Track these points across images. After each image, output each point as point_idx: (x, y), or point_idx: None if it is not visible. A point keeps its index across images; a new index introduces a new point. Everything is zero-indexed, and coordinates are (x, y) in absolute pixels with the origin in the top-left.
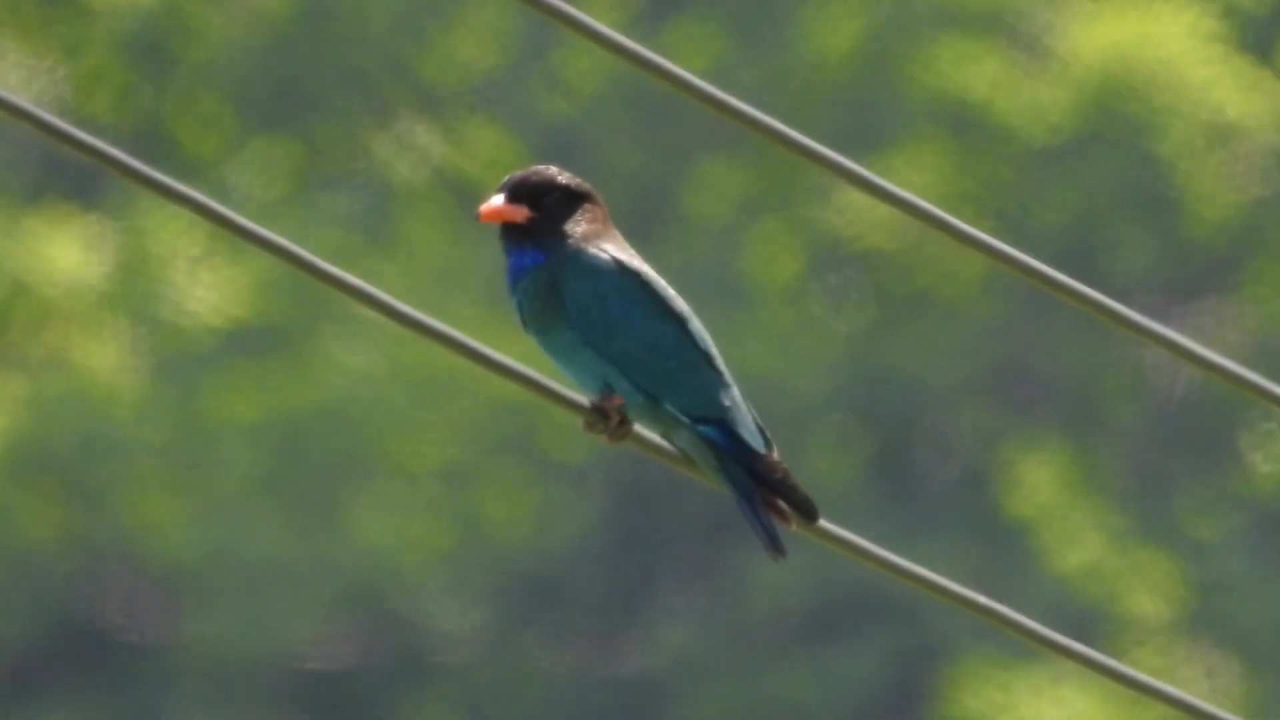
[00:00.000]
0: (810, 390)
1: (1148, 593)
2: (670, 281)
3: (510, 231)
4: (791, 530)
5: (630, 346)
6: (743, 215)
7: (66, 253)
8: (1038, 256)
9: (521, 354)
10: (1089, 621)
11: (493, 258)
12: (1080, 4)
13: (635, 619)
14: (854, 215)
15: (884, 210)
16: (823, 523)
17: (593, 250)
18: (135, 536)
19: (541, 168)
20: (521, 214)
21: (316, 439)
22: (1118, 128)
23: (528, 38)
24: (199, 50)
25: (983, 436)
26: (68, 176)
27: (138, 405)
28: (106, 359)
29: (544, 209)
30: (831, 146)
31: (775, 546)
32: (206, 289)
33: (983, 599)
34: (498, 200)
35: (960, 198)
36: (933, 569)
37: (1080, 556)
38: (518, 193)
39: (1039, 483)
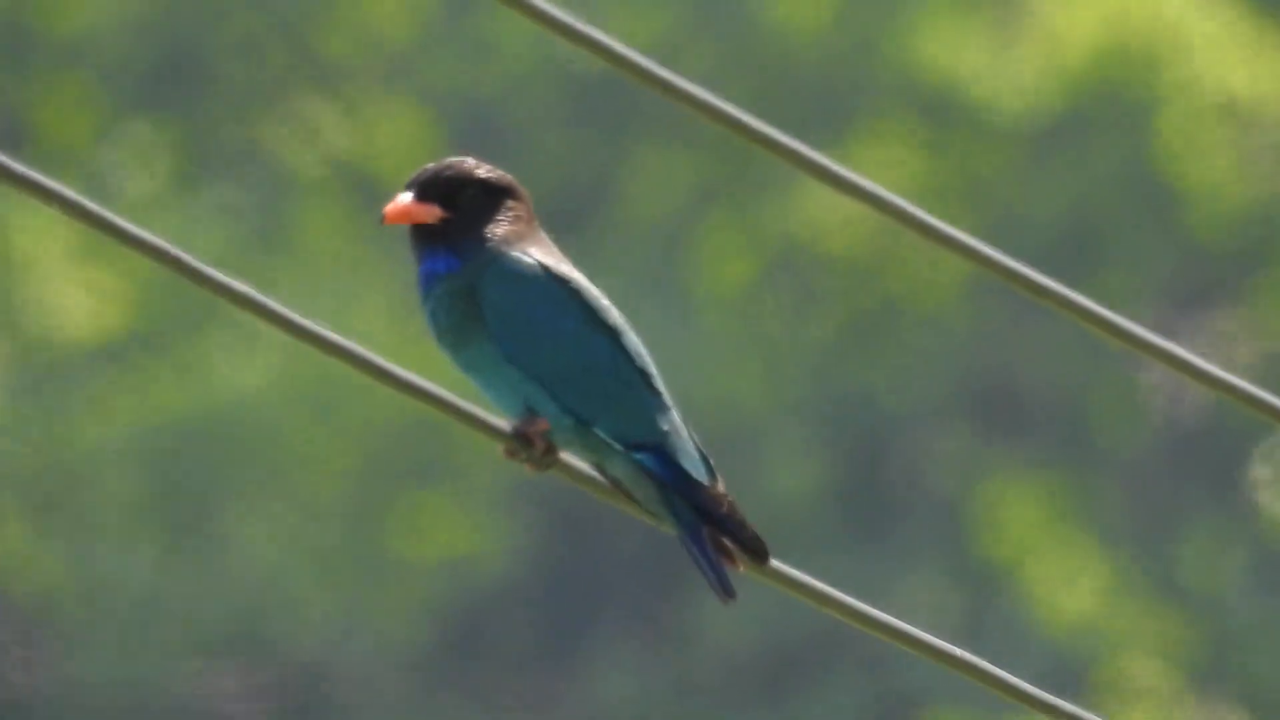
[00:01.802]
0: (765, 413)
1: (1148, 648)
2: (605, 286)
3: (421, 234)
4: (740, 572)
5: (558, 363)
6: (689, 211)
7: None
8: (1024, 259)
9: (435, 370)
10: (1079, 679)
11: (404, 260)
12: None
13: (569, 670)
14: (816, 212)
15: (850, 206)
16: (775, 563)
17: (515, 254)
18: None
19: (457, 160)
20: (433, 214)
21: (200, 459)
22: (1114, 109)
23: (444, 4)
24: (64, 21)
25: (961, 465)
26: None
27: None
28: None
29: (459, 208)
30: (791, 133)
31: (725, 589)
32: (76, 294)
33: (959, 651)
34: (405, 198)
35: (937, 192)
36: (903, 616)
37: (1070, 605)
38: (428, 189)
39: (1024, 519)
